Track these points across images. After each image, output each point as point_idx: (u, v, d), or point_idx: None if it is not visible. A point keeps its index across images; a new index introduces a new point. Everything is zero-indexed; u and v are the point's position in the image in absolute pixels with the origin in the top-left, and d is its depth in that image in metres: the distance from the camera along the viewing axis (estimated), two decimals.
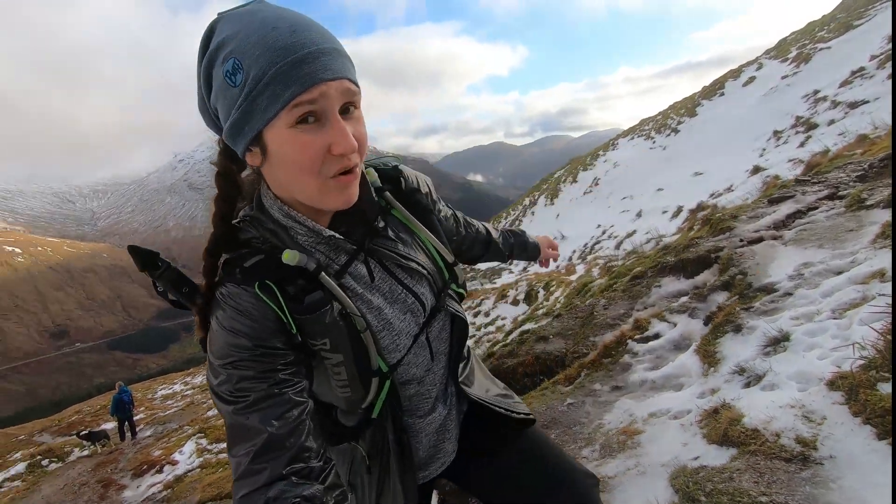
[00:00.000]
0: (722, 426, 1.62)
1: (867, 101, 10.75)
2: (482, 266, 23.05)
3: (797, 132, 12.75)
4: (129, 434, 11.41)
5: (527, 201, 35.50)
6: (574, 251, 17.79)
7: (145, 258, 0.74)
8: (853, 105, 11.15)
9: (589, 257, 14.92)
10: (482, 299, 13.53)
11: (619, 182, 22.90)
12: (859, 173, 3.40)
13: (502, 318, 11.20)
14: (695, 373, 2.24)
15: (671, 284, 3.38)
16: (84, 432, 11.23)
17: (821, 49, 17.09)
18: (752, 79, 20.56)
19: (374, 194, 0.84)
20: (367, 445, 0.90)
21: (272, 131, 0.66)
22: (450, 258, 0.92)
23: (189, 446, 6.34)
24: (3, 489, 9.52)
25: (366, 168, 0.87)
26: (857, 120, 9.56)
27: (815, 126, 11.98)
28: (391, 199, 0.88)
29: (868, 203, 2.85)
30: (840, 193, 3.24)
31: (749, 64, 23.12)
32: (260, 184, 0.79)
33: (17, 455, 12.65)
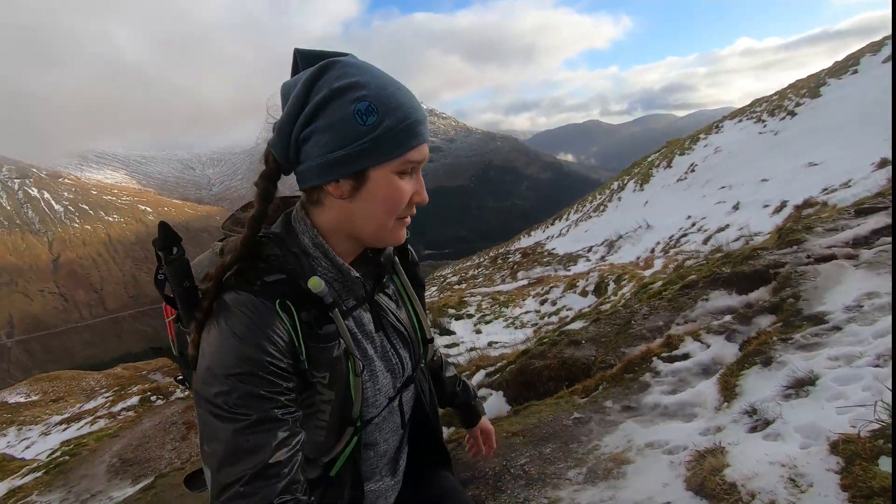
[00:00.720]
0: (703, 473, 1.50)
1: None
2: (560, 251, 22.47)
3: None
4: None
5: (615, 185, 33.62)
6: (658, 243, 16.66)
7: (168, 238, 0.77)
8: None
9: (672, 251, 13.92)
10: (552, 287, 13.23)
11: (719, 169, 20.88)
12: None
13: (568, 309, 10.90)
14: (710, 404, 2.07)
15: (720, 299, 3.09)
16: (179, 377, 12.79)
17: None
18: None
19: (391, 254, 0.91)
20: None
21: (379, 171, 0.73)
22: (429, 335, 0.97)
23: None
24: (120, 416, 11.20)
25: None
26: None
27: None
28: (397, 264, 0.94)
29: None
30: None
31: None
32: (290, 209, 0.84)
33: (135, 389, 14.74)
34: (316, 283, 0.74)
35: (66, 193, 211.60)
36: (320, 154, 0.72)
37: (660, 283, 4.90)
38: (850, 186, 10.19)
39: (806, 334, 2.12)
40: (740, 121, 25.69)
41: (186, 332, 0.78)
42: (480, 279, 23.66)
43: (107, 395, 15.92)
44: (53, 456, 7.61)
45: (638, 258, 14.89)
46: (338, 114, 0.71)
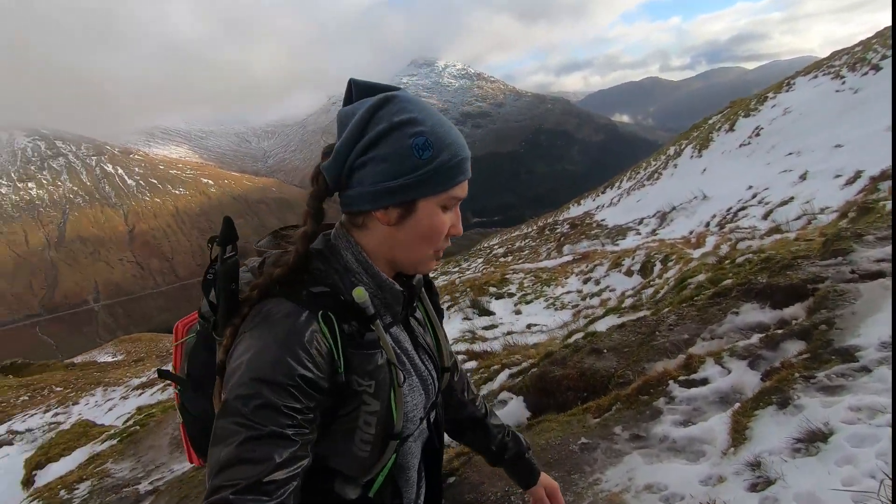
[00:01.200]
0: None
1: None
2: (609, 222, 21.75)
3: None
4: None
5: (671, 150, 31.71)
6: (714, 216, 15.70)
7: (229, 235, 0.81)
8: None
9: (728, 226, 13.10)
10: (596, 265, 12.88)
11: (787, 133, 19.17)
12: None
13: (611, 290, 10.61)
14: (718, 445, 1.98)
15: (751, 314, 2.91)
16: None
17: None
18: None
19: (422, 280, 0.96)
20: None
21: (427, 203, 0.78)
22: (446, 362, 0.98)
23: None
24: None
25: None
26: None
27: None
28: (422, 291, 0.97)
29: None
30: None
31: None
32: (334, 228, 0.87)
33: None
34: (360, 294, 0.77)
35: (136, 168, 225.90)
36: (374, 182, 0.77)
37: (698, 278, 4.66)
38: None
39: (831, 373, 1.96)
40: (815, 77, 23.30)
41: (219, 340, 0.80)
42: (527, 251, 23.39)
43: None
44: (127, 424, 8.44)
45: (691, 233, 14.17)
46: (396, 146, 0.76)
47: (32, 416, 14.08)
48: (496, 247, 29.85)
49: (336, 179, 0.79)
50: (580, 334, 4.31)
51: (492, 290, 11.72)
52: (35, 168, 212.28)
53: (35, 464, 7.82)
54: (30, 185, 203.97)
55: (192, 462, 0.99)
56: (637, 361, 3.06)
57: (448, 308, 10.01)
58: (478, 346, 6.96)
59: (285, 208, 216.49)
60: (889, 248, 2.70)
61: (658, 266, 10.31)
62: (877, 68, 18.06)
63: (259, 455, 0.65)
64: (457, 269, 20.93)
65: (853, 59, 20.98)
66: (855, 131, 14.46)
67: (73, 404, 14.61)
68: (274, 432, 0.66)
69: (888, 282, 2.42)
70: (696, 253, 10.03)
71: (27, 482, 7.45)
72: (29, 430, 11.78)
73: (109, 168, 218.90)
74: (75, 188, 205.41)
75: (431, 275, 1.07)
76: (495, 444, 1.14)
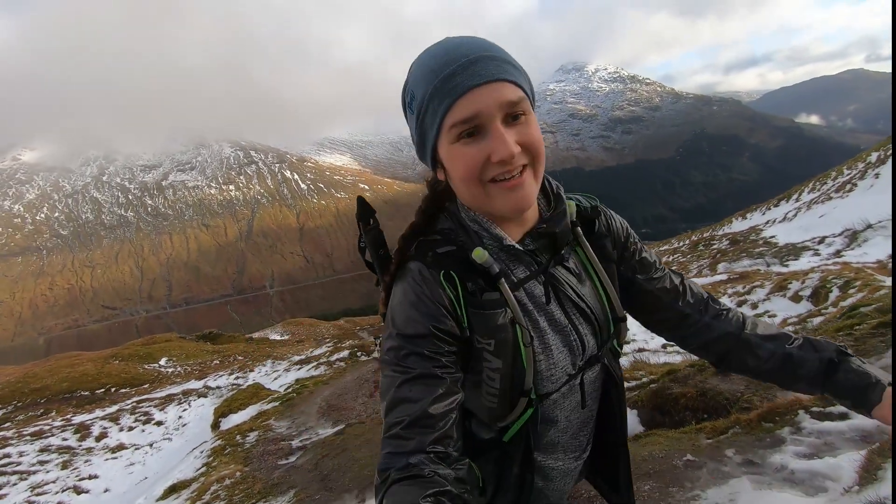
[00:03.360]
0: None
1: None
2: (780, 239, 19.02)
3: None
4: None
5: (873, 156, 26.21)
6: None
7: (365, 211, 0.90)
8: None
9: None
10: (755, 286, 11.38)
11: None
12: None
13: (770, 316, 9.30)
14: (843, 482, 1.79)
15: None
16: (380, 341, 15.10)
17: None
18: None
19: (569, 225, 0.86)
20: (487, 470, 0.89)
21: (441, 149, 0.76)
22: (620, 313, 0.89)
23: None
24: (334, 365, 13.82)
25: (567, 199, 0.89)
26: None
27: None
28: (580, 236, 0.89)
29: None
30: None
31: None
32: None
33: (347, 343, 17.88)
34: (480, 254, 0.77)
35: (308, 174, 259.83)
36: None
37: (871, 306, 3.97)
38: None
39: None
40: None
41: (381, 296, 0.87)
42: (675, 266, 21.56)
43: (329, 345, 19.68)
44: (287, 392, 9.93)
45: (889, 257, 11.75)
46: (407, 112, 0.79)
47: (221, 376, 17.30)
48: None
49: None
50: None
51: None
52: (235, 173, 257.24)
53: (221, 413, 9.68)
54: (230, 187, 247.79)
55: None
56: (768, 388, 2.79)
57: None
58: None
59: None
60: None
61: (835, 292, 8.78)
62: None
63: (415, 394, 0.72)
64: None
65: None
66: None
67: (249, 371, 17.54)
68: (423, 374, 0.73)
69: None
70: (887, 280, 8.34)
71: (215, 426, 9.27)
72: (218, 387, 14.51)
73: (288, 174, 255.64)
74: (262, 190, 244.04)
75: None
76: (773, 361, 0.87)
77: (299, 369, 14.97)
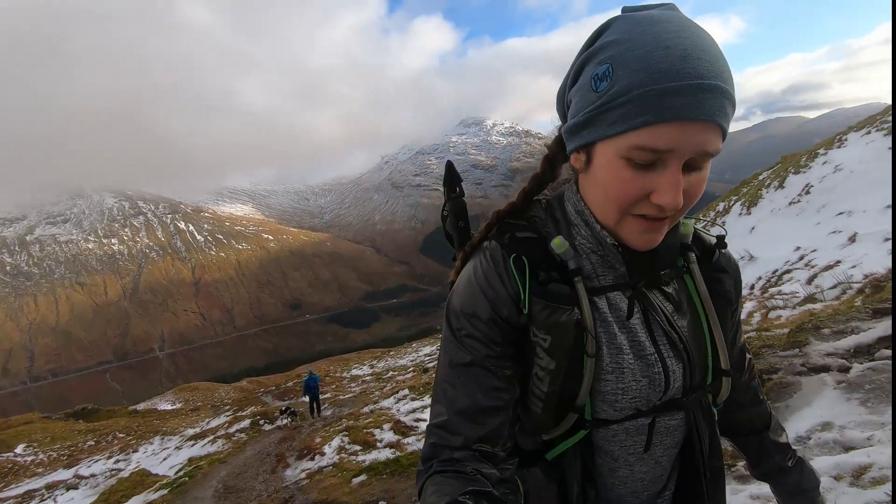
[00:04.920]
0: None
1: None
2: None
3: None
4: (316, 411, 14.19)
5: (720, 206, 30.98)
6: (759, 278, 15.14)
7: (452, 178, 0.86)
8: None
9: (771, 289, 12.72)
10: None
11: (838, 192, 18.46)
12: None
13: None
14: None
15: None
16: (283, 407, 14.42)
17: None
18: None
19: (677, 246, 0.77)
20: (530, 484, 0.80)
21: (603, 147, 0.64)
22: (725, 364, 0.77)
23: (336, 441, 7.80)
24: (234, 437, 12.91)
25: (685, 219, 0.78)
26: None
27: None
28: (692, 262, 0.78)
29: None
30: None
31: None
32: (571, 179, 0.79)
33: (248, 411, 16.79)
34: (559, 243, 0.72)
35: (206, 225, 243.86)
36: (567, 121, 0.70)
37: None
38: None
39: (743, 466, 2.25)
40: (868, 132, 22.50)
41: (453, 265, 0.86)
42: None
43: (227, 413, 18.27)
44: (177, 476, 9.13)
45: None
46: (584, 79, 0.65)
47: (97, 461, 15.23)
48: None
49: (561, 117, 0.74)
50: None
51: None
52: (118, 225, 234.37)
53: None
54: (113, 240, 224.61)
55: None
56: None
57: None
58: None
59: (338, 262, 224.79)
60: (843, 342, 2.93)
61: None
62: None
63: (465, 383, 0.71)
64: None
65: None
66: None
67: (132, 452, 15.69)
68: (476, 361, 0.71)
69: (828, 377, 2.66)
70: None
71: None
72: (93, 476, 12.80)
73: (182, 225, 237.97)
74: (151, 243, 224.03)
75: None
76: (772, 462, 0.92)
77: (192, 445, 13.73)
